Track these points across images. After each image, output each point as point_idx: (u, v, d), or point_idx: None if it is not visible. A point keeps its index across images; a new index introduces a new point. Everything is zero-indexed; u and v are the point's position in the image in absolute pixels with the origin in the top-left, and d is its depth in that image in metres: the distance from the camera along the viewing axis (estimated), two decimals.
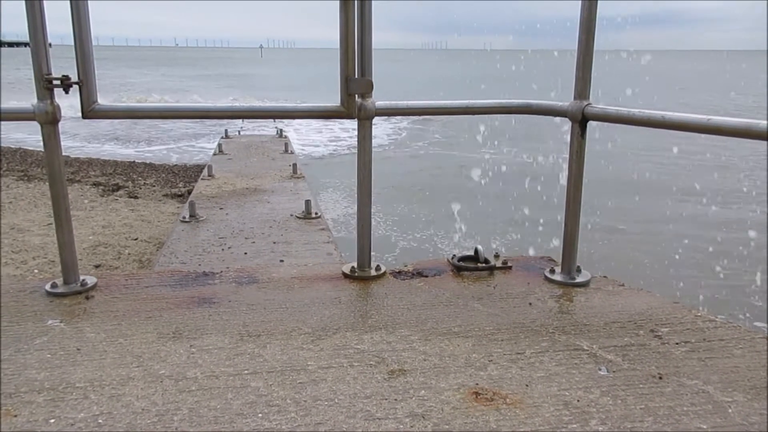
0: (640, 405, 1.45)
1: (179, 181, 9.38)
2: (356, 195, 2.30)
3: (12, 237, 5.97)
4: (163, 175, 9.91)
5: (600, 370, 1.61)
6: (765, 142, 1.66)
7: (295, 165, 7.05)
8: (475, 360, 1.66)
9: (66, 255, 2.11)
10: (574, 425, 1.36)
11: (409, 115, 2.36)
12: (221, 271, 2.32)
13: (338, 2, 2.03)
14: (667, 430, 1.35)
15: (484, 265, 2.35)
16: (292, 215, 4.99)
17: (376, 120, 2.25)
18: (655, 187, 10.34)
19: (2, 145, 11.61)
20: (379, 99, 2.18)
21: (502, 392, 1.50)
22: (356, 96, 2.14)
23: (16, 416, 1.39)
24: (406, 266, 2.38)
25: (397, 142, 16.29)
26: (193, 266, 3.60)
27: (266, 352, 1.69)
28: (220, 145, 8.72)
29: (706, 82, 45.07)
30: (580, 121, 2.12)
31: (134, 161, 11.35)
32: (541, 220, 7.59)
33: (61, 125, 2.06)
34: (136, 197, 8.07)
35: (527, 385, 1.53)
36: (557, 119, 2.27)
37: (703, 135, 1.86)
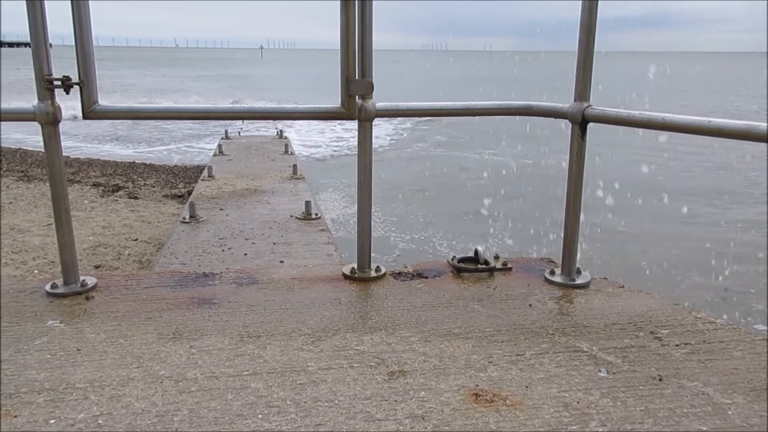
0: (640, 407, 1.45)
1: (179, 181, 9.39)
2: (356, 195, 2.30)
3: (12, 237, 5.97)
4: (163, 175, 9.91)
5: (600, 371, 1.61)
6: (765, 144, 1.66)
7: (295, 166, 7.05)
8: (475, 361, 1.66)
9: (66, 255, 2.12)
10: (574, 427, 1.36)
11: (409, 116, 2.36)
12: (221, 272, 2.32)
13: (339, 2, 2.03)
14: None
15: (484, 266, 2.35)
16: (292, 216, 4.99)
17: (378, 120, 2.26)
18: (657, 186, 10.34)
19: (2, 145, 11.61)
20: (379, 100, 2.18)
21: (502, 394, 1.50)
22: (357, 97, 2.14)
23: (16, 417, 1.39)
24: (406, 267, 2.38)
25: (406, 141, 16.32)
26: (193, 267, 3.60)
27: (266, 353, 1.69)
28: (220, 146, 8.72)
29: (705, 83, 45.07)
30: (581, 122, 2.12)
31: (134, 162, 11.35)
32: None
33: (61, 125, 2.06)
34: (136, 198, 8.08)
35: (527, 387, 1.53)
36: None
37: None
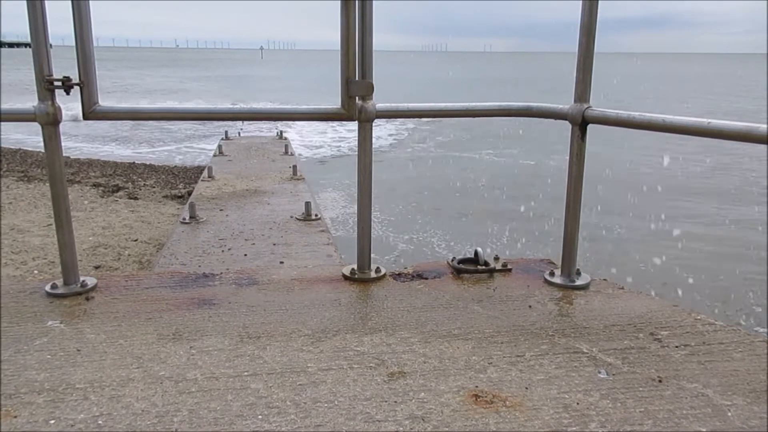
0: (640, 408, 1.45)
1: (179, 182, 9.39)
2: (356, 196, 2.30)
3: (12, 238, 5.97)
4: (163, 176, 9.91)
5: (599, 373, 1.61)
6: (765, 146, 1.66)
7: (295, 167, 7.05)
8: (475, 362, 1.66)
9: (66, 256, 2.12)
10: (574, 428, 1.36)
11: (409, 117, 2.36)
12: (221, 273, 2.32)
13: (339, 3, 2.03)
14: None
15: (483, 267, 2.35)
16: (292, 217, 4.99)
17: (380, 121, 2.26)
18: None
19: (2, 145, 11.61)
20: (379, 101, 2.18)
21: (502, 395, 1.50)
22: (357, 98, 2.14)
23: (16, 417, 1.39)
24: (406, 268, 2.38)
25: (407, 141, 16.32)
26: (193, 267, 3.60)
27: (266, 354, 1.69)
28: (220, 147, 8.71)
29: (705, 85, 45.11)
30: (580, 124, 2.12)
31: (134, 162, 11.36)
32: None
33: (61, 126, 2.06)
34: (136, 198, 8.08)
35: (527, 388, 1.53)
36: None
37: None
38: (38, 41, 1.92)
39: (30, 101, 2.07)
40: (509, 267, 2.37)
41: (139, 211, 7.28)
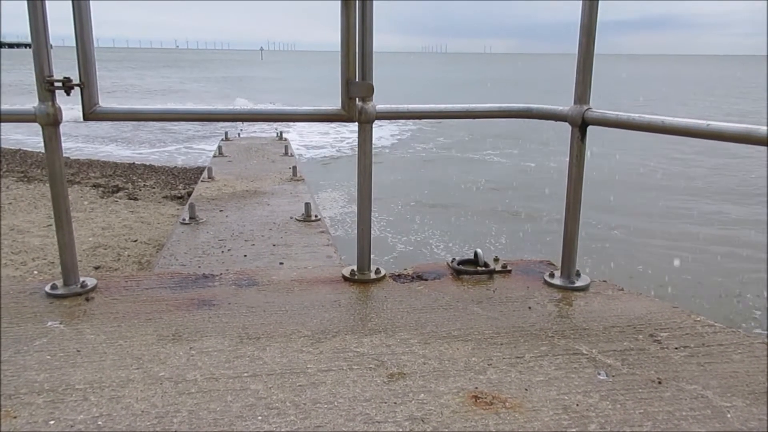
0: (639, 409, 1.45)
1: (179, 183, 9.39)
2: (356, 197, 2.30)
3: (12, 238, 5.97)
4: (163, 176, 9.91)
5: (599, 374, 1.61)
6: (765, 148, 1.66)
7: (294, 167, 7.05)
8: (475, 364, 1.66)
9: (66, 256, 2.12)
10: (573, 429, 1.36)
11: (409, 118, 2.36)
12: (221, 274, 2.32)
13: (339, 3, 2.04)
14: None
15: (483, 268, 2.35)
16: (291, 218, 4.99)
17: (381, 121, 2.26)
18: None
19: (2, 146, 11.61)
20: (379, 102, 2.18)
21: (502, 396, 1.50)
22: (357, 99, 2.14)
23: (15, 417, 1.39)
24: (405, 269, 2.39)
25: (408, 141, 16.32)
26: (193, 268, 3.60)
27: (266, 355, 1.69)
28: (219, 147, 8.71)
29: (704, 86, 45.13)
30: (580, 125, 2.12)
31: (134, 163, 11.36)
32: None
33: (61, 127, 2.06)
34: (135, 199, 8.08)
35: (526, 389, 1.53)
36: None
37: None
38: (39, 42, 1.92)
39: (29, 102, 2.07)
40: (509, 268, 2.37)
41: (138, 212, 7.28)
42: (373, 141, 2.23)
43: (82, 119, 2.05)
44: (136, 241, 6.09)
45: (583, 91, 2.12)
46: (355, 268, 2.33)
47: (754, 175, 11.60)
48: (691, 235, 7.83)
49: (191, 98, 29.38)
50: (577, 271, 2.26)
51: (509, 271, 2.36)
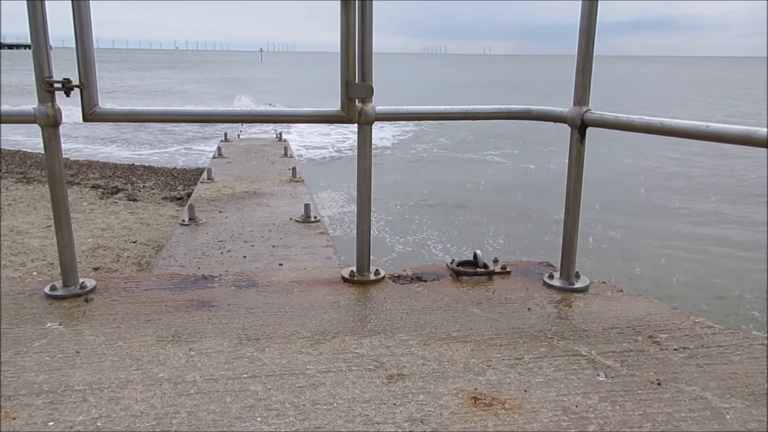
0: (639, 411, 1.45)
1: (178, 184, 9.39)
2: (356, 198, 2.30)
3: (11, 239, 5.97)
4: (163, 178, 9.91)
5: (598, 375, 1.61)
6: (765, 149, 1.66)
7: (294, 169, 7.05)
8: (474, 365, 1.66)
9: (65, 257, 2.11)
10: (573, 430, 1.36)
11: (409, 120, 2.36)
12: (220, 275, 2.32)
13: (339, 3, 2.04)
14: None
15: (483, 270, 2.35)
16: (291, 219, 4.99)
17: (381, 122, 2.26)
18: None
19: (2, 147, 11.61)
20: (379, 104, 2.18)
21: (501, 397, 1.50)
22: (356, 101, 2.14)
23: (15, 419, 1.39)
24: (405, 271, 2.39)
25: (408, 141, 16.32)
26: (192, 269, 3.60)
27: (265, 356, 1.69)
28: (219, 149, 8.71)
29: (704, 88, 45.16)
30: (579, 127, 2.13)
31: (133, 164, 11.36)
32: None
33: (61, 127, 2.06)
34: (135, 200, 8.08)
35: (526, 391, 1.53)
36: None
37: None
38: (38, 43, 1.92)
39: (29, 103, 2.07)
40: (508, 270, 2.37)
41: (138, 213, 7.28)
42: (375, 142, 2.24)
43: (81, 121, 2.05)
44: (135, 242, 6.09)
45: (582, 93, 2.12)
46: (354, 269, 2.33)
47: (754, 175, 11.61)
48: (691, 235, 7.83)
49: (191, 99, 29.39)
50: (577, 272, 2.26)
51: (508, 273, 2.36)
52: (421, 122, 18.72)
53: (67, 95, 1.97)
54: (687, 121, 1.86)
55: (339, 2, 2.03)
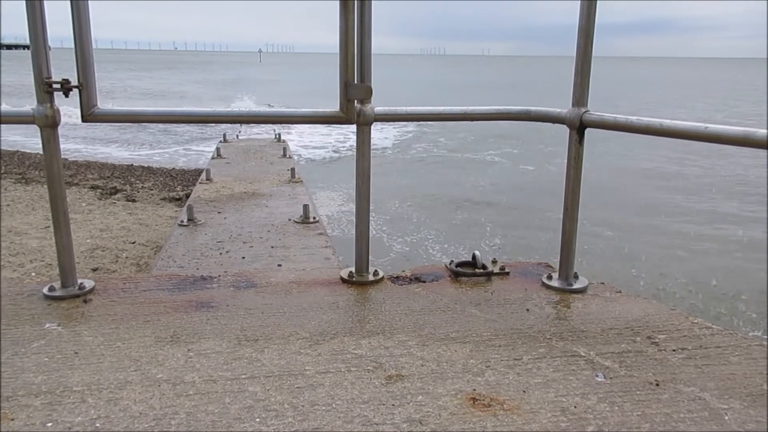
0: (637, 411, 1.45)
1: (177, 184, 9.39)
2: (354, 199, 2.30)
3: (10, 240, 5.96)
4: (161, 178, 9.91)
5: (597, 376, 1.61)
6: (765, 151, 1.66)
7: (293, 169, 7.05)
8: (473, 366, 1.66)
9: (64, 258, 2.11)
10: (571, 431, 1.37)
11: (408, 120, 2.36)
12: (219, 275, 2.32)
13: (338, 3, 2.04)
14: None
15: (481, 270, 2.35)
16: (290, 220, 4.98)
17: (381, 123, 2.25)
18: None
19: (1, 147, 11.61)
20: (378, 105, 2.18)
21: (500, 398, 1.50)
22: (355, 101, 2.14)
23: (13, 420, 1.39)
24: (403, 271, 2.39)
25: (409, 142, 16.31)
26: (191, 270, 3.59)
27: (264, 357, 1.69)
28: (218, 149, 8.71)
29: (703, 89, 45.21)
30: (578, 128, 2.13)
31: (132, 164, 11.35)
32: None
33: (60, 128, 2.06)
34: (134, 201, 8.07)
35: (524, 391, 1.53)
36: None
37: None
38: (37, 43, 1.92)
39: (28, 103, 2.07)
40: (507, 270, 2.37)
41: (136, 214, 7.28)
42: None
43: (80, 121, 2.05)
44: (134, 242, 6.09)
45: (581, 94, 2.12)
46: (353, 269, 2.33)
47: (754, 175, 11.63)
48: (689, 235, 7.84)
49: (190, 100, 29.37)
50: (575, 273, 2.26)
51: (507, 274, 2.36)
52: (422, 123, 18.73)
53: (66, 96, 1.97)
54: (686, 122, 1.86)
55: (338, 3, 2.03)
